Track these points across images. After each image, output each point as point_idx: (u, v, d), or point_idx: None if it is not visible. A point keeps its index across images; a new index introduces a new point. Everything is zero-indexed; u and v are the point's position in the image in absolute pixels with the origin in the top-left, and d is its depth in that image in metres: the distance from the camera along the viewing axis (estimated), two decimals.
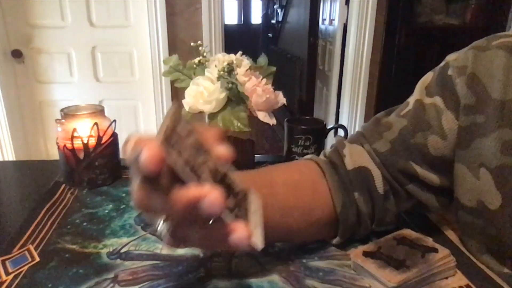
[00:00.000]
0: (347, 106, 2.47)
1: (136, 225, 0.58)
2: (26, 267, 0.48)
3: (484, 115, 0.45)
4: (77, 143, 0.68)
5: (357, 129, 0.65)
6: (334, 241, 0.53)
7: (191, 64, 0.75)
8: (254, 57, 0.77)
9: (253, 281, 0.46)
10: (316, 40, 3.58)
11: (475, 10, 2.38)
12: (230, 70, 0.70)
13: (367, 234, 0.54)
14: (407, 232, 0.51)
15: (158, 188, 0.28)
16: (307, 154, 0.78)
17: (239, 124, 0.69)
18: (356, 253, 0.49)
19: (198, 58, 0.74)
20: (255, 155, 0.82)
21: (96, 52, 2.17)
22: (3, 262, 0.49)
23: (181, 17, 2.10)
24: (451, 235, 0.56)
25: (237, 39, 5.61)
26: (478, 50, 0.47)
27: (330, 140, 0.65)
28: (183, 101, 0.73)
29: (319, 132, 0.80)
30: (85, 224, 0.59)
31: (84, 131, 0.69)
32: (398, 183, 0.52)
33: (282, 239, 0.51)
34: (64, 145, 0.68)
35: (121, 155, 0.77)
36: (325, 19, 3.26)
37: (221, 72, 0.69)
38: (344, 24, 2.41)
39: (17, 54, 2.09)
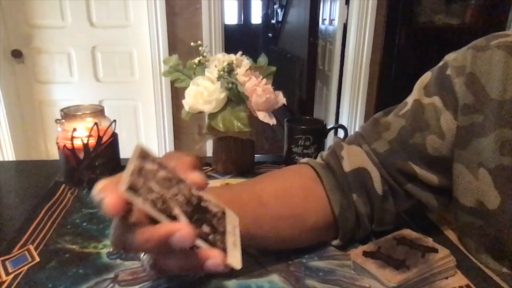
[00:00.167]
0: (347, 106, 2.47)
1: None
2: (26, 267, 0.48)
3: (483, 115, 0.45)
4: (77, 143, 0.68)
5: (357, 129, 0.65)
6: (334, 243, 0.53)
7: (191, 64, 0.75)
8: (254, 57, 0.77)
9: (253, 281, 0.46)
10: (316, 40, 3.58)
11: (475, 10, 2.38)
12: (230, 70, 0.70)
13: (366, 235, 0.54)
14: (407, 232, 0.51)
15: (133, 227, 0.30)
16: (307, 154, 0.78)
17: (239, 124, 0.69)
18: (356, 253, 0.49)
19: (198, 58, 0.74)
20: (255, 155, 0.82)
21: (96, 52, 2.17)
22: (3, 262, 0.49)
23: (181, 17, 2.10)
24: (451, 235, 0.56)
25: (237, 39, 5.61)
26: (477, 49, 0.47)
27: (330, 140, 0.65)
28: (183, 101, 0.73)
29: (319, 132, 0.80)
30: (85, 224, 0.59)
31: (84, 131, 0.69)
32: (397, 183, 0.52)
33: (275, 248, 0.51)
34: (64, 145, 0.68)
35: (121, 155, 0.77)
36: (325, 19, 3.26)
37: (221, 72, 0.69)
38: (344, 24, 2.41)
39: (17, 54, 2.09)
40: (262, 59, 0.77)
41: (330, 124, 1.96)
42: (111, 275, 0.47)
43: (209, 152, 0.84)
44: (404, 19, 2.35)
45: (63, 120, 0.70)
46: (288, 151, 0.81)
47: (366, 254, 0.48)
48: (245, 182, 0.55)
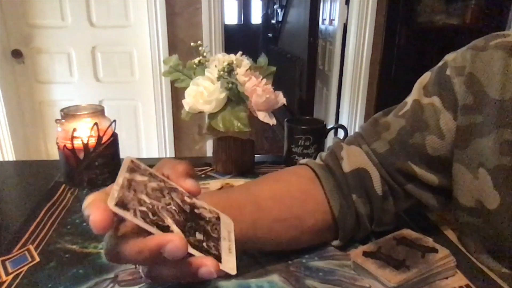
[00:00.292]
0: (347, 106, 2.47)
1: None
2: (26, 267, 0.48)
3: (483, 115, 0.45)
4: (77, 143, 0.68)
5: (357, 129, 0.65)
6: (334, 243, 0.53)
7: (191, 64, 0.75)
8: (254, 57, 0.77)
9: (253, 281, 0.46)
10: (316, 40, 3.58)
11: (475, 10, 2.38)
12: (230, 70, 0.70)
13: (366, 235, 0.54)
14: (407, 232, 0.51)
15: (125, 238, 0.30)
16: (307, 154, 0.78)
17: (239, 124, 0.69)
18: (356, 253, 0.49)
19: (198, 58, 0.74)
20: (255, 155, 0.82)
21: (96, 52, 2.17)
22: (3, 262, 0.49)
23: (181, 17, 2.10)
24: (451, 235, 0.56)
25: (237, 39, 5.61)
26: (477, 50, 0.47)
27: (330, 140, 0.65)
28: (183, 101, 0.73)
29: (319, 132, 0.80)
30: (85, 224, 0.59)
31: (84, 131, 0.69)
32: (396, 183, 0.52)
33: (274, 250, 0.51)
34: (64, 145, 0.68)
35: (121, 155, 0.77)
36: (325, 19, 3.26)
37: (221, 72, 0.69)
38: (344, 24, 2.41)
39: (17, 54, 2.09)
40: (262, 59, 0.77)
41: (330, 124, 1.96)
42: (111, 275, 0.47)
43: (209, 152, 0.84)
44: (404, 19, 2.35)
45: (63, 120, 0.70)
46: (288, 151, 0.81)
47: (366, 254, 0.48)
48: (242, 185, 0.55)
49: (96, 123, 0.69)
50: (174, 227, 0.30)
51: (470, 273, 0.47)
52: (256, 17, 7.50)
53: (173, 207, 0.32)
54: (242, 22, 7.50)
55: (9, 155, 2.15)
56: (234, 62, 0.70)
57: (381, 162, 0.52)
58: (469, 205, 0.48)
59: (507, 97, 0.43)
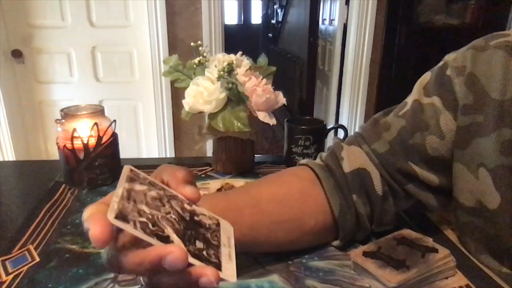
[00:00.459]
0: (347, 106, 2.47)
1: None
2: (26, 267, 0.48)
3: (483, 115, 0.45)
4: (77, 143, 0.68)
5: (357, 129, 0.65)
6: (334, 243, 0.53)
7: (191, 64, 0.75)
8: (254, 57, 0.77)
9: (253, 281, 0.46)
10: (316, 40, 3.58)
11: (475, 10, 2.38)
12: (230, 70, 0.70)
13: (366, 235, 0.54)
14: (407, 232, 0.51)
15: (125, 249, 0.30)
16: (307, 154, 0.78)
17: (239, 124, 0.69)
18: (356, 253, 0.49)
19: (198, 58, 0.74)
20: (255, 155, 0.82)
21: (96, 52, 2.17)
22: (3, 262, 0.49)
23: (181, 17, 2.10)
24: (451, 235, 0.56)
25: (237, 39, 5.61)
26: (477, 50, 0.47)
27: (330, 140, 0.65)
28: (183, 101, 0.73)
29: (319, 132, 0.80)
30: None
31: (84, 131, 0.69)
32: (397, 183, 0.52)
33: (274, 251, 0.51)
34: (64, 145, 0.68)
35: (121, 155, 0.77)
36: (325, 19, 3.26)
37: (221, 72, 0.69)
38: (344, 24, 2.41)
39: (17, 54, 2.09)
40: (262, 59, 0.77)
41: (330, 124, 1.96)
42: (111, 275, 0.47)
43: (209, 152, 0.84)
44: (404, 19, 2.35)
45: (63, 120, 0.70)
46: (288, 151, 0.81)
47: (366, 254, 0.48)
48: (241, 187, 0.55)
49: (96, 123, 0.69)
50: (174, 236, 0.30)
51: (470, 273, 0.47)
52: (256, 17, 7.50)
53: (173, 216, 0.32)
54: (242, 22, 7.50)
55: (9, 155, 2.15)
56: (234, 62, 0.70)
57: (381, 162, 0.52)
58: (469, 205, 0.48)
59: (507, 97, 0.43)
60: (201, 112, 0.73)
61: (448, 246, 0.49)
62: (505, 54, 0.44)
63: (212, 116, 0.71)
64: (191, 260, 0.29)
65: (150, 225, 0.29)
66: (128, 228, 0.28)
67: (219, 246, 0.33)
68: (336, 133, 1.87)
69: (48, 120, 2.25)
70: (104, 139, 0.70)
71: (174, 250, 0.28)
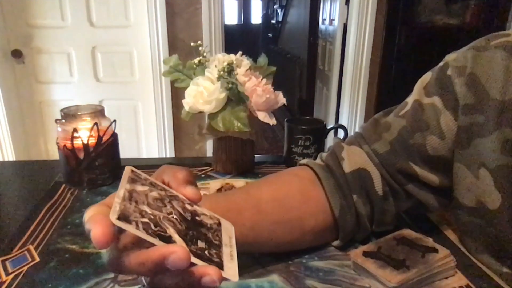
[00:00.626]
0: (347, 106, 2.47)
1: None
2: (26, 267, 0.48)
3: (484, 115, 0.45)
4: (77, 143, 0.68)
5: (357, 129, 0.65)
6: (335, 243, 0.53)
7: (191, 64, 0.75)
8: (254, 57, 0.77)
9: (253, 281, 0.46)
10: (316, 40, 3.58)
11: (475, 10, 2.38)
12: (230, 70, 0.70)
13: (367, 235, 0.54)
14: (407, 232, 0.51)
15: (127, 250, 0.31)
16: (307, 154, 0.78)
17: (239, 124, 0.69)
18: (356, 253, 0.49)
19: (198, 58, 0.74)
20: (255, 155, 0.82)
21: (96, 52, 2.17)
22: (3, 262, 0.49)
23: (181, 17, 2.10)
24: (451, 235, 0.56)
25: (237, 39, 5.61)
26: (477, 50, 0.47)
27: (330, 140, 0.65)
28: (183, 101, 0.73)
29: (319, 132, 0.80)
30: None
31: (84, 131, 0.69)
32: (397, 183, 0.52)
33: (274, 251, 0.51)
34: (64, 145, 0.68)
35: (121, 155, 0.77)
36: (325, 19, 3.26)
37: (221, 72, 0.69)
38: (344, 24, 2.41)
39: (17, 54, 2.09)
40: (262, 59, 0.77)
41: (330, 124, 1.96)
42: (111, 275, 0.47)
43: (209, 152, 0.84)
44: (404, 19, 2.35)
45: (63, 120, 0.70)
46: (288, 151, 0.81)
47: (366, 254, 0.48)
48: (242, 188, 0.55)
49: (96, 123, 0.69)
50: (176, 236, 0.30)
51: (470, 273, 0.47)
52: (256, 17, 7.50)
53: (175, 216, 0.32)
54: (242, 22, 7.49)
55: (9, 155, 2.15)
56: (234, 62, 0.70)
57: (381, 163, 0.52)
58: (470, 205, 0.48)
59: (508, 97, 0.43)
60: (201, 112, 0.73)
61: (448, 246, 0.49)
62: (505, 54, 0.44)
63: (212, 116, 0.71)
64: (193, 260, 0.29)
65: (152, 226, 0.29)
66: (130, 229, 0.28)
67: (220, 246, 0.33)
68: (336, 133, 1.87)
69: (48, 120, 2.25)
70: (104, 139, 0.70)
71: (177, 250, 0.28)
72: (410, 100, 0.52)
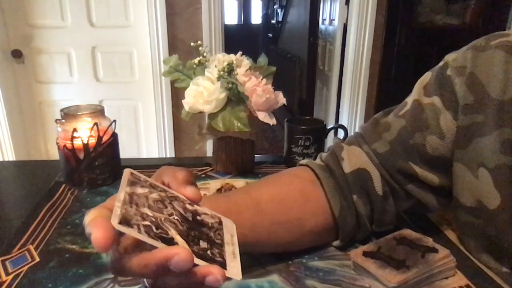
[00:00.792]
0: (347, 106, 2.47)
1: None
2: (26, 267, 0.48)
3: (484, 114, 0.45)
4: (77, 143, 0.68)
5: (357, 129, 0.65)
6: (335, 243, 0.53)
7: (191, 64, 0.75)
8: (254, 57, 0.77)
9: (253, 281, 0.46)
10: (316, 40, 3.58)
11: (475, 10, 2.38)
12: (230, 70, 0.70)
13: (367, 235, 0.54)
14: (407, 232, 0.51)
15: (129, 253, 0.30)
16: (307, 154, 0.78)
17: (239, 124, 0.69)
18: (356, 253, 0.49)
19: (198, 58, 0.74)
20: (255, 155, 0.82)
21: (96, 52, 2.17)
22: (3, 262, 0.49)
23: (181, 17, 2.10)
24: (451, 235, 0.56)
25: (237, 39, 5.61)
26: (477, 50, 0.47)
27: (330, 140, 0.65)
28: (183, 101, 0.73)
29: (319, 132, 0.80)
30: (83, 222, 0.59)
31: (84, 131, 0.69)
32: (397, 183, 0.52)
33: (274, 252, 0.51)
34: (64, 145, 0.68)
35: (121, 155, 0.77)
36: (325, 19, 3.26)
37: (221, 72, 0.69)
38: (344, 24, 2.41)
39: (17, 54, 2.09)
40: (262, 59, 0.77)
41: (330, 124, 1.96)
42: (111, 275, 0.47)
43: (209, 152, 0.84)
44: (404, 19, 2.35)
45: (63, 120, 0.70)
46: (288, 151, 0.81)
47: (366, 254, 0.48)
48: (242, 188, 0.55)
49: (96, 123, 0.69)
50: (178, 238, 0.30)
51: (470, 273, 0.47)
52: (256, 17, 7.50)
53: (176, 217, 0.32)
54: (242, 22, 7.49)
55: (9, 155, 2.15)
56: (234, 62, 0.70)
57: (381, 163, 0.52)
58: (469, 204, 0.48)
59: (507, 96, 0.44)
60: (201, 112, 0.73)
61: (448, 246, 0.49)
62: (505, 54, 0.44)
63: (212, 116, 0.71)
64: (196, 261, 0.29)
65: (154, 228, 0.29)
66: (132, 232, 0.28)
67: (222, 245, 0.33)
68: (336, 133, 1.87)
69: (48, 120, 2.25)
70: (104, 139, 0.70)
71: (180, 252, 0.28)
72: (409, 100, 0.52)
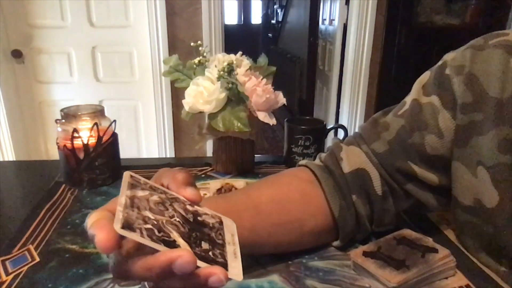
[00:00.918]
0: (347, 106, 2.47)
1: None
2: (26, 267, 0.48)
3: (482, 113, 0.45)
4: (77, 143, 0.68)
5: (357, 129, 0.65)
6: (335, 243, 0.53)
7: (191, 64, 0.75)
8: (254, 57, 0.77)
9: (253, 281, 0.46)
10: (316, 40, 3.58)
11: (475, 10, 2.38)
12: (230, 70, 0.70)
13: (367, 235, 0.54)
14: (407, 232, 0.51)
15: (132, 256, 0.30)
16: (307, 154, 0.79)
17: (239, 124, 0.69)
18: (356, 253, 0.49)
19: (198, 58, 0.74)
20: (255, 155, 0.82)
21: (96, 52, 2.17)
22: (3, 262, 0.49)
23: (181, 17, 2.10)
24: (451, 235, 0.56)
25: (237, 39, 5.61)
26: (476, 49, 0.47)
27: (330, 140, 0.65)
28: (183, 101, 0.73)
29: (319, 132, 0.80)
30: (85, 224, 0.59)
31: (84, 131, 0.69)
32: (396, 183, 0.52)
33: (274, 252, 0.51)
34: (64, 145, 0.68)
35: (121, 155, 0.77)
36: (325, 19, 3.26)
37: (221, 72, 0.69)
38: (344, 24, 2.41)
39: (17, 54, 2.09)
40: (262, 59, 0.77)
41: (330, 124, 1.96)
42: (111, 275, 0.47)
43: (209, 152, 0.84)
44: (404, 19, 2.35)
45: (63, 120, 0.70)
46: (288, 151, 0.81)
47: (366, 254, 0.48)
48: (241, 189, 0.55)
49: (96, 123, 0.69)
50: (180, 240, 0.30)
51: (470, 273, 0.47)
52: (256, 17, 7.50)
53: (177, 219, 0.32)
54: (242, 22, 7.49)
55: (9, 155, 2.15)
56: (234, 62, 0.70)
57: (380, 162, 0.52)
58: (468, 203, 0.48)
59: (506, 95, 0.44)
60: (201, 112, 0.73)
61: (448, 246, 0.49)
62: (504, 53, 0.44)
63: (212, 116, 0.71)
64: (199, 263, 0.29)
65: (156, 231, 0.29)
66: (135, 237, 0.28)
67: (224, 245, 0.33)
68: (336, 133, 1.87)
69: (48, 120, 2.25)
70: (104, 139, 0.70)
71: (183, 254, 0.28)
72: (408, 99, 0.52)
